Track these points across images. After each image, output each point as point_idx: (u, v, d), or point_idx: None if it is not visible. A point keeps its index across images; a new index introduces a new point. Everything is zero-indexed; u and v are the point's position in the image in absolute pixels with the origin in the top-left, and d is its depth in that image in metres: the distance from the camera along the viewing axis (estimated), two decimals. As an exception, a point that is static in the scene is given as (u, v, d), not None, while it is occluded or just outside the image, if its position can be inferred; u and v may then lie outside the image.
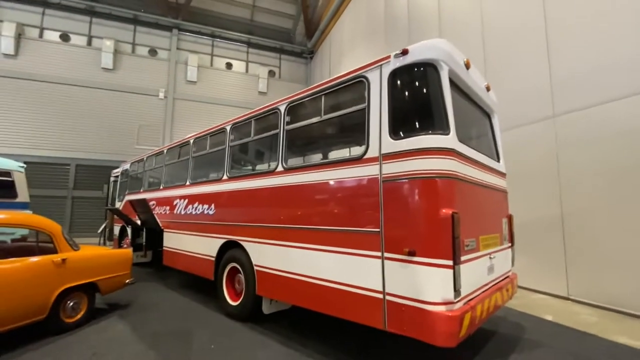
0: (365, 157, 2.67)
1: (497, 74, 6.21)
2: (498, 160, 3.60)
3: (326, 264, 2.86)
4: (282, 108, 3.57)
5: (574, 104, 5.03)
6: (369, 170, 2.62)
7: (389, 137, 2.52)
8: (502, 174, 3.58)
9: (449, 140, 2.36)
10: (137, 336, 3.38)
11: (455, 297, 2.18)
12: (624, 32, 4.44)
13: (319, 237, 2.94)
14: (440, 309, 2.15)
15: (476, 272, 2.61)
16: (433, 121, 2.42)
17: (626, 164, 4.34)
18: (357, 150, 2.84)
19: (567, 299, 4.96)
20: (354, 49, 12.74)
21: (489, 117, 3.71)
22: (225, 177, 4.29)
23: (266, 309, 3.65)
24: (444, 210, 2.23)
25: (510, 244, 3.55)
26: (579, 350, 3.15)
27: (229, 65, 17.00)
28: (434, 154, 2.32)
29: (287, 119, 3.51)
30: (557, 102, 5.33)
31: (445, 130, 2.38)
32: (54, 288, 3.27)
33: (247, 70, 17.31)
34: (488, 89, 3.51)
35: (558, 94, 5.31)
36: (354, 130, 2.91)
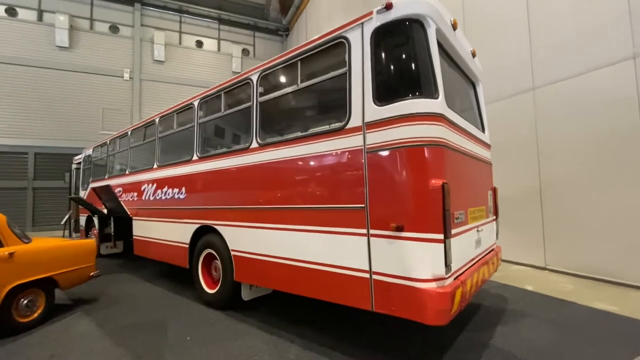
0: (348, 127, 2.43)
1: (477, 47, 6.05)
2: (483, 131, 3.48)
3: (307, 245, 2.65)
4: (255, 78, 3.25)
5: (553, 76, 4.98)
6: (351, 142, 2.39)
7: (373, 104, 2.29)
8: (487, 145, 3.47)
9: (438, 104, 2.16)
10: (104, 332, 3.09)
11: (447, 272, 2.04)
12: (602, 3, 4.35)
13: (299, 216, 2.72)
14: (431, 285, 2.01)
15: (465, 246, 2.49)
16: (420, 84, 2.20)
17: (602, 135, 4.36)
18: (338, 122, 2.59)
19: (545, 268, 5.08)
20: (332, 25, 12.21)
21: (473, 85, 3.55)
22: (195, 157, 3.94)
23: (246, 295, 3.44)
24: (433, 181, 2.05)
25: (495, 217, 3.48)
26: (560, 317, 3.17)
27: (199, 44, 16.03)
28: (421, 119, 2.11)
29: (261, 89, 3.20)
30: (536, 74, 5.27)
31: (433, 94, 2.17)
32: (1, 285, 2.90)
33: (219, 49, 16.40)
34: (474, 54, 3.33)
35: (538, 66, 5.24)
36: (335, 99, 2.66)
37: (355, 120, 2.38)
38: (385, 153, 2.20)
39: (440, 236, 2.02)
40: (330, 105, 2.84)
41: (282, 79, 3.11)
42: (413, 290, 2.03)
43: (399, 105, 2.17)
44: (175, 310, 3.63)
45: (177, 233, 4.22)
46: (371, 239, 2.25)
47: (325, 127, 2.61)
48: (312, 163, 2.68)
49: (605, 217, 4.32)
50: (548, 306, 3.51)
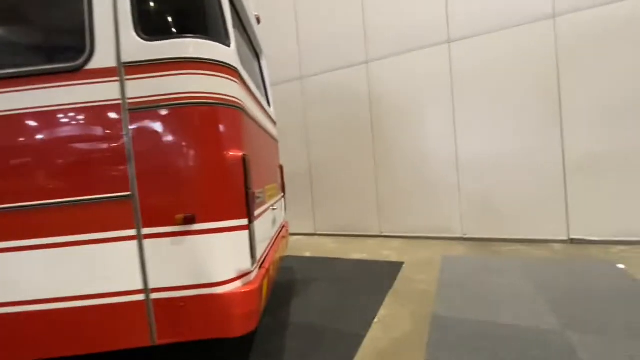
0: (91, 67, 1.48)
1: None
2: (269, 105, 3.36)
3: (25, 273, 1.49)
4: None
5: (315, 69, 5.74)
6: (99, 91, 1.48)
7: (135, 36, 1.49)
8: (273, 121, 3.39)
9: (232, 54, 1.69)
10: None
11: (252, 264, 1.67)
12: (354, 9, 5.36)
13: (7, 225, 1.48)
14: (236, 286, 1.58)
15: (265, 227, 2.23)
16: (208, 22, 1.63)
17: (349, 121, 5.48)
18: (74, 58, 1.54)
19: (314, 234, 5.95)
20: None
21: (257, 56, 3.34)
22: None
23: None
24: (231, 153, 1.58)
25: (282, 194, 3.52)
26: (335, 274, 3.67)
27: None
28: (213, 69, 1.57)
29: None
30: (303, 65, 5.89)
31: (225, 39, 1.67)
32: None
33: None
34: (258, 20, 3.08)
35: (305, 58, 5.87)
36: (67, 19, 1.57)
37: (104, 58, 1.48)
38: (160, 112, 1.49)
39: (244, 222, 1.61)
40: (59, 27, 1.69)
41: None
42: (213, 299, 1.52)
43: (181, 44, 1.51)
44: None
45: None
46: (145, 242, 1.51)
47: (51, 65, 1.49)
48: (26, 126, 1.49)
49: (351, 187, 5.51)
50: (324, 267, 4.01)
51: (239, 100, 1.72)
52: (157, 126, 1.49)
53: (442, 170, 4.74)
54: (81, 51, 1.49)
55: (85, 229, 1.48)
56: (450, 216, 4.72)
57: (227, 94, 1.63)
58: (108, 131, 1.48)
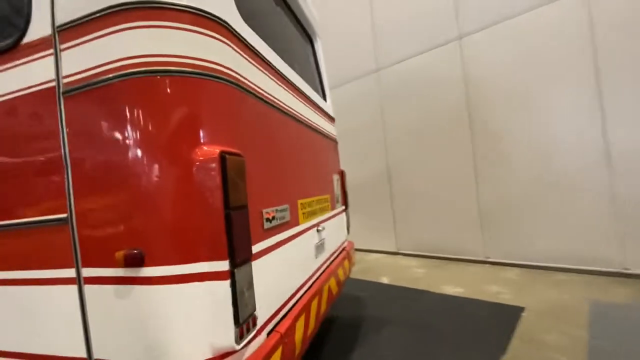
0: (27, 40, 1.08)
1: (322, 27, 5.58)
2: (324, 99, 2.71)
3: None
4: None
5: (394, 57, 4.88)
6: (32, 74, 1.06)
7: (71, -16, 1.02)
8: (330, 118, 2.71)
9: (219, 1, 1.09)
10: None
11: (239, 339, 0.99)
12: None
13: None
14: (209, 374, 0.93)
15: (293, 263, 1.54)
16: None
17: (442, 114, 4.39)
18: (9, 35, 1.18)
19: (397, 253, 4.98)
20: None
21: (311, 41, 2.74)
22: None
23: None
24: (205, 148, 0.97)
25: (344, 207, 2.79)
26: (419, 316, 2.72)
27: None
28: (179, 19, 0.99)
29: None
30: (379, 55, 5.09)
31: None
32: None
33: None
34: (307, -9, 2.49)
35: (380, 46, 5.07)
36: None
37: (40, 24, 1.06)
38: (98, 92, 0.98)
39: (224, 265, 0.96)
40: None
41: None
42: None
43: (124, -15, 0.98)
44: None
45: None
46: (86, 288, 1.00)
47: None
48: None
49: (443, 195, 4.38)
50: (405, 302, 3.08)
51: (229, 68, 1.10)
52: (95, 113, 0.98)
53: (582, 170, 3.26)
54: (18, 22, 1.10)
55: (5, 265, 1.06)
56: (598, 238, 3.19)
57: (205, 58, 1.02)
58: (39, 126, 1.04)
